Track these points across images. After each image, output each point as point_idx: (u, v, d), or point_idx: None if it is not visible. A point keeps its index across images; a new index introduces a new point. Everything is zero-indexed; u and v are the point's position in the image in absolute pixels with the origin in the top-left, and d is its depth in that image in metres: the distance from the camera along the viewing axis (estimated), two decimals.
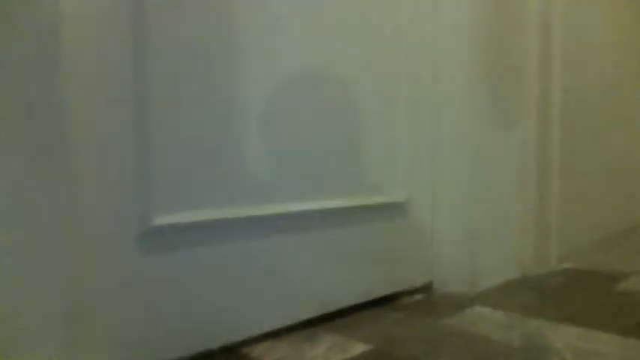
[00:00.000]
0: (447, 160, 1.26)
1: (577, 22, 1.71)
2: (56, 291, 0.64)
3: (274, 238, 0.94)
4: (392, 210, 1.18)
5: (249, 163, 0.89)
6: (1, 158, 0.59)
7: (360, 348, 0.90)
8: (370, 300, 1.14)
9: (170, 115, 0.78)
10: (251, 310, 0.91)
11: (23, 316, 0.62)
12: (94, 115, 0.70)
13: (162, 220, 0.77)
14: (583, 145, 1.87)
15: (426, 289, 1.29)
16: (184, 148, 0.80)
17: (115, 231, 0.73)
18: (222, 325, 0.87)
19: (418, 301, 1.19)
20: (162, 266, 0.78)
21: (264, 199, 0.92)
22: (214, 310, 0.85)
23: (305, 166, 0.99)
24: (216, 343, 0.86)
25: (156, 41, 0.76)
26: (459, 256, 1.26)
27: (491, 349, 0.89)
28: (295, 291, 0.98)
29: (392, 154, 1.18)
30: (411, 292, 1.25)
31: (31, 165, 0.61)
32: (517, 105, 1.39)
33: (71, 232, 0.66)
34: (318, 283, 1.02)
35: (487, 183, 1.28)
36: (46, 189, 0.63)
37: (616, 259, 1.68)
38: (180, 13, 0.79)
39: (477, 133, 1.26)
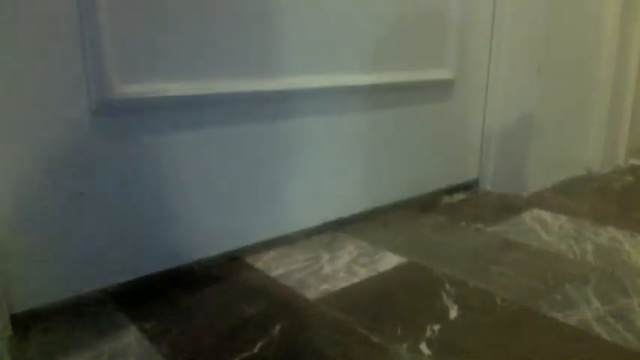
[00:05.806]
0: (509, 31, 0.99)
1: None
2: None
3: (282, 122, 0.73)
4: (436, 89, 0.94)
5: (248, 28, 0.66)
6: None
7: (391, 260, 0.72)
8: (404, 200, 0.95)
9: None
10: (252, 213, 0.72)
11: None
12: None
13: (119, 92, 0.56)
14: None
15: (471, 187, 1.08)
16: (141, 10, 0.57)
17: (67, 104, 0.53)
18: (216, 230, 0.69)
19: (461, 202, 1.00)
20: (125, 149, 0.59)
21: (270, 72, 0.69)
22: (204, 210, 0.67)
23: (326, 33, 0.74)
24: (211, 251, 0.69)
25: None
26: (513, 148, 1.03)
27: (562, 267, 0.70)
28: (311, 188, 0.79)
29: (439, 20, 0.91)
30: (452, 191, 1.05)
31: None
32: None
33: None
34: (341, 179, 0.83)
35: (557, 63, 1.01)
36: None
37: None
38: None
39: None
